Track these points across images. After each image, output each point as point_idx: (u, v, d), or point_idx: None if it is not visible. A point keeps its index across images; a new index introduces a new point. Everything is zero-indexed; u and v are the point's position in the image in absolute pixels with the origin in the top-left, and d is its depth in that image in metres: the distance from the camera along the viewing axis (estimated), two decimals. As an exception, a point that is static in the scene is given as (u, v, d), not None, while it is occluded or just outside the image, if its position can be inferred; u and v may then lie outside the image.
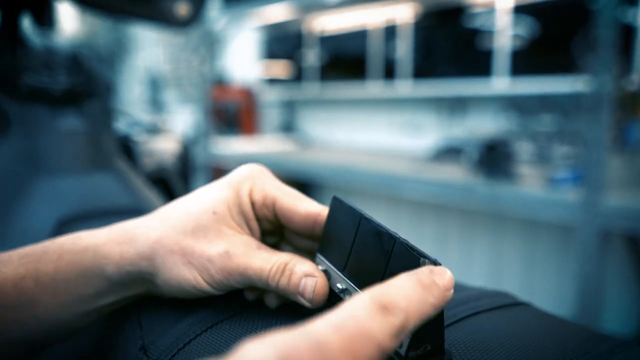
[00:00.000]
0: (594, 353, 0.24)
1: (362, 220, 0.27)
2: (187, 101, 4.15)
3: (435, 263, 0.21)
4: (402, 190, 2.15)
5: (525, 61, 2.30)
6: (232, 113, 3.61)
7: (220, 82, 3.70)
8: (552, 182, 1.82)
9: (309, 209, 0.31)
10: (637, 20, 1.93)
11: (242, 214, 0.31)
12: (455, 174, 2.09)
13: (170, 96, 4.43)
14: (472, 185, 1.95)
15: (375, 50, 2.94)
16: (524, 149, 2.07)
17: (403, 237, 0.24)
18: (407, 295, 0.19)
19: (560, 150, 1.97)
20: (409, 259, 0.22)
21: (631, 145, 1.80)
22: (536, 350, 0.25)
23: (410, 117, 2.89)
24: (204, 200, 0.31)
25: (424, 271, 0.20)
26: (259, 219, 0.32)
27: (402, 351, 0.22)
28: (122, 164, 0.68)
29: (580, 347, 0.25)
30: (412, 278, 0.20)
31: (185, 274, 0.29)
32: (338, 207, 0.29)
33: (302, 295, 0.28)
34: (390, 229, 0.25)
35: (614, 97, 1.59)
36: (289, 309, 0.30)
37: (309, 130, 3.56)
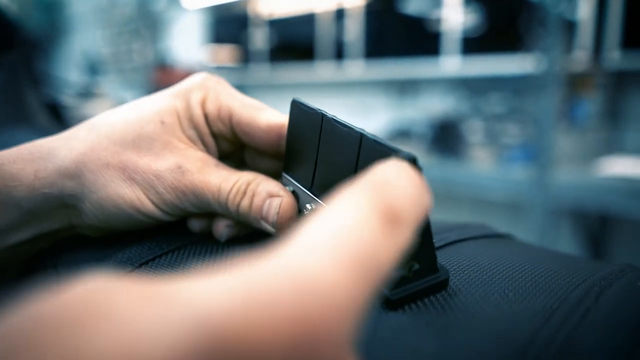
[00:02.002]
0: (605, 271, 0.20)
1: (324, 122, 0.21)
2: (128, 86, 3.96)
3: (409, 157, 0.15)
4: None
5: (475, 41, 2.31)
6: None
7: (163, 66, 3.55)
8: (504, 161, 1.84)
9: (271, 120, 0.25)
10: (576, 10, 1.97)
11: (195, 127, 0.25)
12: (407, 155, 2.07)
13: (110, 81, 4.22)
14: (425, 165, 1.93)
15: (325, 34, 2.89)
16: (475, 128, 2.08)
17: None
18: (410, 197, 0.13)
19: (511, 129, 1.99)
20: (379, 156, 0.17)
21: (578, 123, 1.84)
22: (539, 272, 0.21)
23: (360, 99, 2.86)
24: (147, 108, 0.25)
25: (406, 165, 0.15)
26: (214, 135, 0.26)
27: None
28: (46, 123, 0.60)
29: (588, 268, 0.21)
30: (404, 173, 0.14)
31: (125, 192, 0.23)
32: (298, 113, 0.23)
33: (266, 218, 0.22)
34: (357, 126, 0.19)
35: (562, 76, 1.62)
36: (243, 243, 0.24)
37: (258, 115, 3.47)
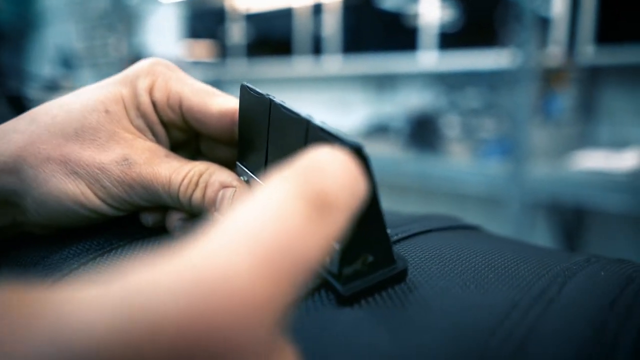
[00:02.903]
0: (570, 262, 0.20)
1: (272, 108, 0.20)
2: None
3: (354, 146, 0.15)
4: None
5: (452, 37, 2.32)
6: (152, 93, 3.41)
7: (139, 61, 3.49)
8: (480, 155, 1.85)
9: (224, 105, 0.23)
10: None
11: (143, 116, 0.24)
12: (386, 150, 2.08)
13: (85, 76, 4.13)
14: (403, 160, 1.94)
15: (302, 29, 2.87)
16: (452, 123, 2.09)
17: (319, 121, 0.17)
18: (342, 182, 0.12)
19: (487, 124, 2.01)
20: (325, 144, 0.16)
21: (552, 117, 1.86)
22: (503, 263, 0.20)
23: (338, 94, 2.86)
24: (91, 97, 0.23)
25: (340, 151, 0.13)
26: (165, 124, 0.24)
27: (334, 268, 0.17)
28: (6, 113, 0.58)
29: (554, 259, 0.21)
30: (337, 158, 0.13)
31: (68, 188, 0.21)
32: (248, 98, 0.22)
33: (219, 210, 0.21)
34: (304, 113, 0.18)
35: (537, 71, 1.63)
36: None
37: (236, 111, 3.43)
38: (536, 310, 0.15)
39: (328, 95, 2.91)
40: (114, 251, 0.22)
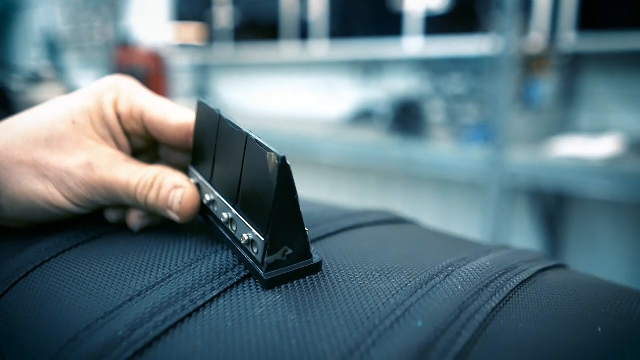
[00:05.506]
0: (470, 252, 0.23)
1: (220, 121, 0.24)
2: (89, 65, 3.87)
3: (278, 157, 0.19)
4: (319, 154, 2.14)
5: (437, 23, 2.34)
6: (139, 77, 3.40)
7: (125, 45, 3.48)
8: (463, 141, 1.88)
9: (181, 119, 0.27)
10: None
11: (107, 127, 0.27)
12: (371, 136, 2.11)
13: (70, 60, 4.11)
14: (386, 146, 1.97)
15: (289, 13, 2.87)
16: (436, 109, 2.12)
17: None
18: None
19: (471, 110, 2.04)
20: (258, 154, 0.21)
21: (533, 104, 1.89)
22: (414, 253, 0.23)
23: (325, 79, 2.87)
24: (60, 109, 0.27)
25: None
26: (127, 134, 0.28)
27: (259, 257, 0.21)
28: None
29: (461, 249, 0.24)
30: None
31: (37, 188, 0.25)
32: (203, 112, 0.26)
33: (170, 208, 0.25)
34: (245, 127, 0.22)
35: (518, 57, 1.66)
36: (156, 232, 0.26)
37: (224, 94, 3.45)
38: (418, 295, 0.19)
39: (314, 80, 2.93)
40: (81, 245, 0.25)
